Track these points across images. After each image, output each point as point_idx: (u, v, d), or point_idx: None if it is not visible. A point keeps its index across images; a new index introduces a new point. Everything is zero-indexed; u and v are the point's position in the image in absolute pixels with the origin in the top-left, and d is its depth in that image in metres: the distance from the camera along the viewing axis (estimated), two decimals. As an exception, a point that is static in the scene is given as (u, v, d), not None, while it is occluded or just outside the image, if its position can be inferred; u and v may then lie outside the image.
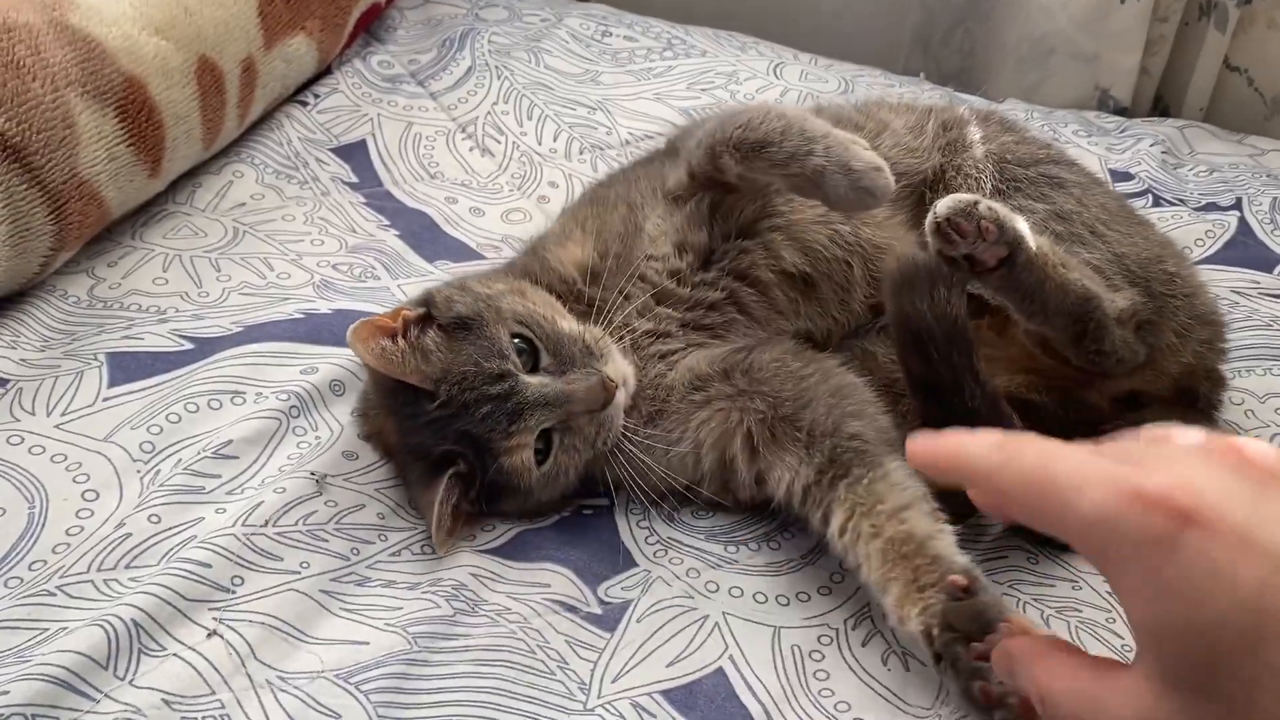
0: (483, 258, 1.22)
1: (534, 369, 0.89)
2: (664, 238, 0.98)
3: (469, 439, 0.87)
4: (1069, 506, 0.48)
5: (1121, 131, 1.49)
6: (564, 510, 0.94)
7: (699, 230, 0.97)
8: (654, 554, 0.90)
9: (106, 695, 0.72)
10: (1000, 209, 0.86)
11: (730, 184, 0.97)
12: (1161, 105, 1.68)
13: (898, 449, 0.85)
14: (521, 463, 0.87)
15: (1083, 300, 0.89)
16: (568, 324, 0.91)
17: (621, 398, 0.90)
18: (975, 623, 0.72)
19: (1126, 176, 1.37)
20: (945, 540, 0.79)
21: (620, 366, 0.91)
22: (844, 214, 0.98)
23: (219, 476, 0.90)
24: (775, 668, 0.81)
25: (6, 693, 0.70)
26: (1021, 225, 0.86)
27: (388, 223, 1.26)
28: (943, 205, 0.85)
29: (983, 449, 0.53)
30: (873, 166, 0.88)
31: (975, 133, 1.08)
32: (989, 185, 1.02)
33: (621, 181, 1.09)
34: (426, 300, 0.93)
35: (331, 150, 1.36)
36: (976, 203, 0.85)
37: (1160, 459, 0.48)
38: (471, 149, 1.39)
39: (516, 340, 0.89)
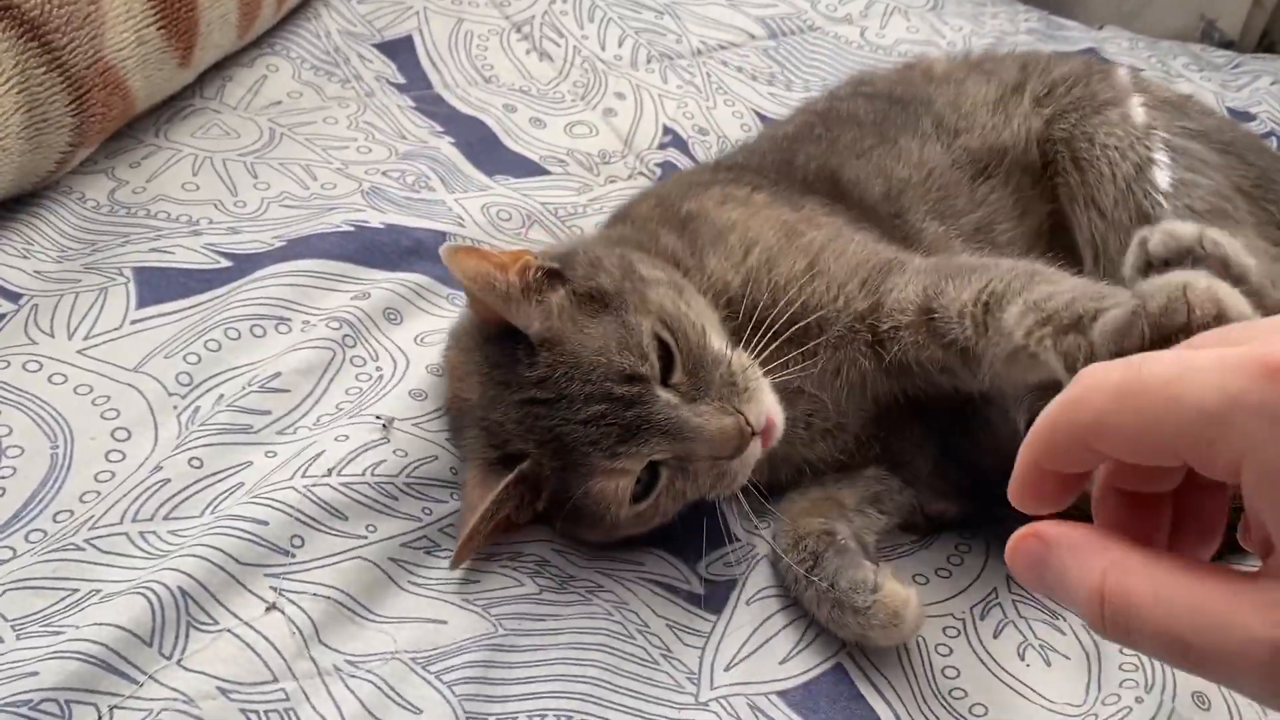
0: (547, 173, 1.10)
1: (665, 383, 0.72)
2: None
3: (558, 443, 0.70)
4: (1175, 402, 0.35)
5: (1234, 67, 1.37)
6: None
7: None
8: (756, 526, 0.80)
9: (151, 677, 0.62)
10: (1227, 243, 0.73)
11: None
12: (1267, 41, 1.55)
13: None
14: (614, 492, 0.71)
15: None
16: (719, 343, 0.74)
17: (756, 450, 0.72)
18: None
19: (1248, 116, 1.25)
20: None
21: (765, 407, 0.73)
22: None
23: (268, 413, 0.79)
24: (900, 665, 0.72)
25: (35, 674, 0.60)
26: (1251, 265, 0.74)
27: (441, 129, 1.13)
28: (1157, 242, 0.73)
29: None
30: None
31: (1134, 101, 0.94)
32: (1161, 166, 0.88)
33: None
34: (566, 257, 0.77)
35: (375, 46, 1.23)
36: (1201, 239, 0.73)
37: (1269, 332, 0.37)
38: (529, 51, 1.26)
39: (654, 342, 0.72)
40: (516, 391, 0.72)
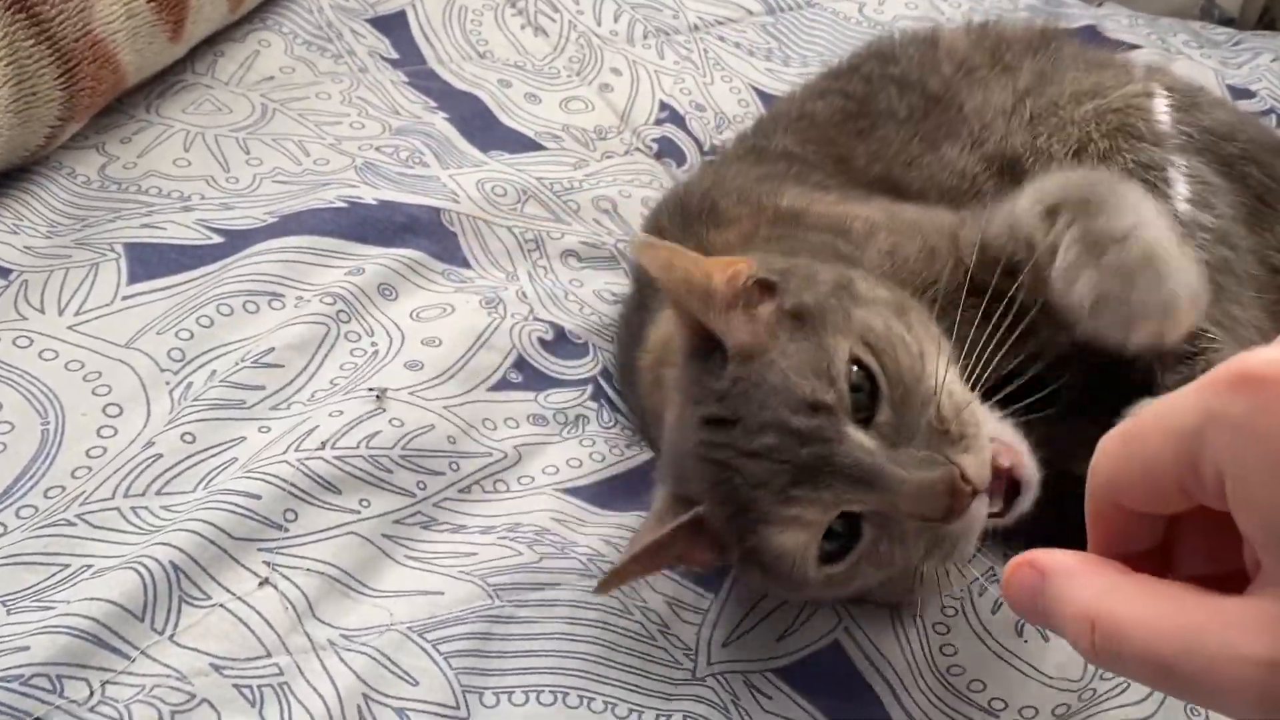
0: (543, 148, 1.09)
1: (865, 422, 0.60)
2: None
3: (727, 480, 0.60)
4: (1167, 433, 0.34)
5: (1234, 44, 1.36)
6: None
7: None
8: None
9: (143, 653, 0.62)
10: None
11: None
12: (1267, 18, 1.54)
13: None
14: (793, 546, 0.59)
15: None
16: (932, 370, 0.61)
17: (983, 509, 0.59)
18: None
19: (1247, 94, 1.24)
20: None
21: (987, 456, 0.59)
22: None
23: (262, 389, 0.78)
24: (898, 642, 0.71)
25: (26, 648, 0.60)
26: None
27: (435, 105, 1.12)
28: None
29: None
30: None
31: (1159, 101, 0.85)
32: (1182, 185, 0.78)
33: None
34: (785, 271, 0.66)
35: (367, 21, 1.21)
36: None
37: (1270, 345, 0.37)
38: (524, 26, 1.24)
39: (855, 369, 0.60)
40: (700, 407, 0.63)
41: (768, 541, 0.60)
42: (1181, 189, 0.76)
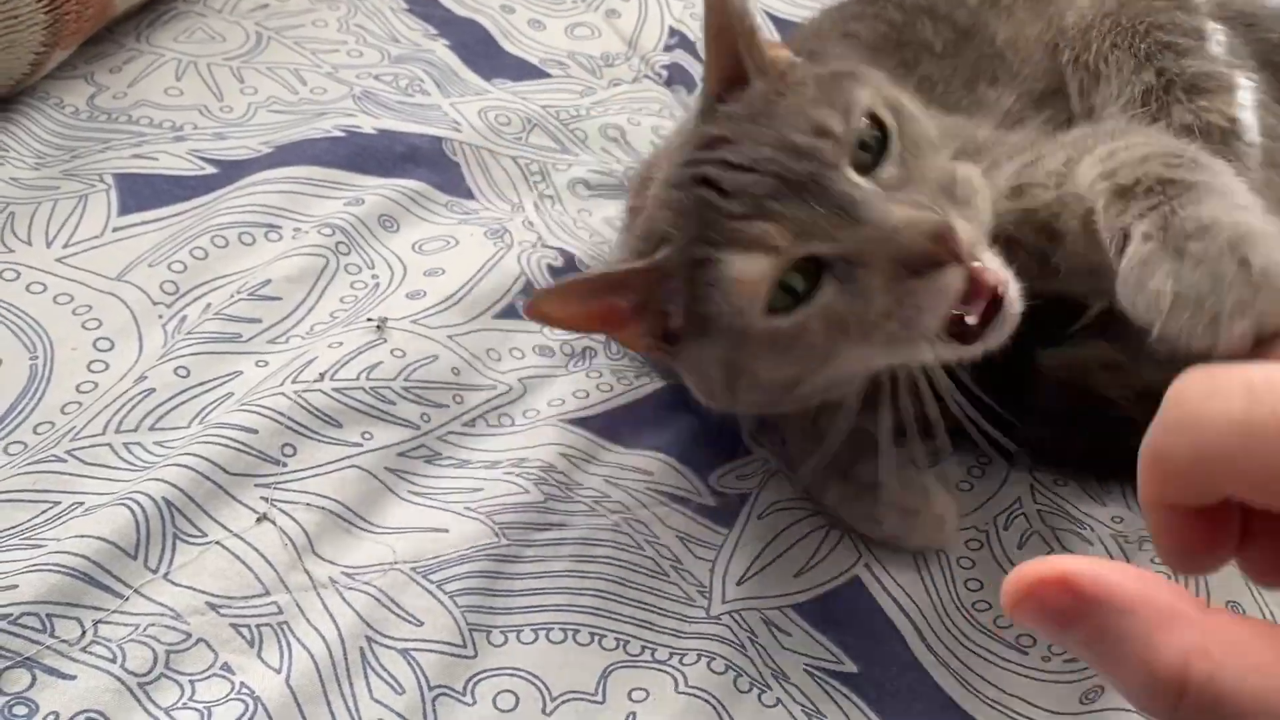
0: (548, 76, 1.05)
1: (868, 169, 0.57)
2: None
3: (701, 198, 0.57)
4: (1205, 414, 0.30)
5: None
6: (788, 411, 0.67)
7: None
8: (767, 440, 0.77)
9: (137, 591, 0.59)
10: None
11: None
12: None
13: None
14: (751, 275, 0.55)
15: None
16: (947, 157, 0.59)
17: (955, 283, 0.54)
18: None
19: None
20: None
21: (985, 238, 0.57)
22: None
23: (258, 321, 0.76)
24: (920, 577, 0.69)
25: (15, 587, 0.57)
26: None
27: (435, 31, 1.08)
28: None
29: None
30: None
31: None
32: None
33: None
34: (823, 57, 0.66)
35: (365, -54, 1.17)
36: None
37: None
38: (527, -49, 1.20)
39: (869, 125, 0.57)
40: (690, 144, 0.60)
41: (722, 271, 0.55)
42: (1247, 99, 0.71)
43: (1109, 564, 0.31)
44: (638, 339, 0.63)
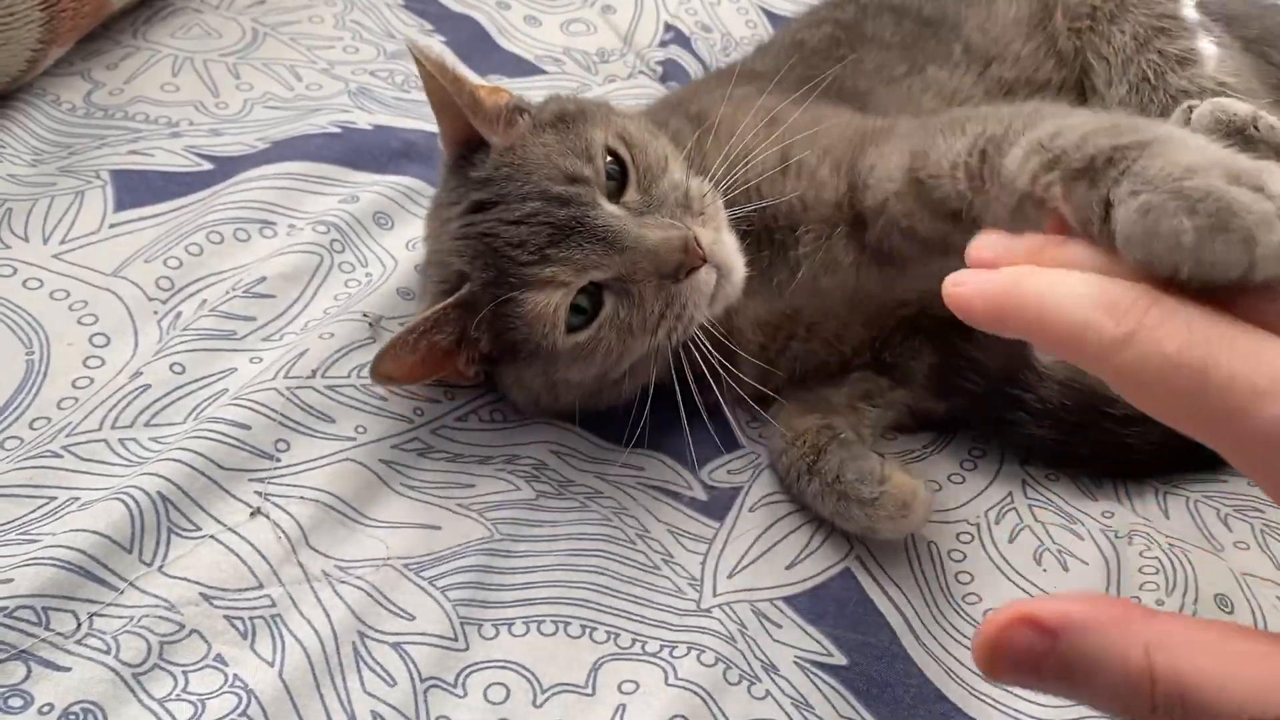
0: (543, 72, 1.05)
1: (614, 198, 0.68)
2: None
3: (489, 251, 0.66)
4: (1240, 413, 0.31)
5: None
6: (614, 402, 0.73)
7: None
8: (759, 434, 0.77)
9: (131, 584, 0.60)
10: None
11: None
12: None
13: None
14: (547, 309, 0.65)
15: None
16: (680, 172, 0.70)
17: (709, 278, 0.66)
18: None
19: None
20: None
21: (720, 236, 0.68)
22: None
23: (253, 319, 0.76)
24: (911, 570, 0.69)
25: (10, 580, 0.58)
26: None
27: (431, 28, 1.08)
28: (1205, 116, 0.65)
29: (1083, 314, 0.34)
30: None
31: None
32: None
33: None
34: (541, 104, 0.75)
35: (361, -57, 1.17)
36: (1255, 120, 0.65)
37: None
38: (523, -52, 1.20)
39: (609, 160, 0.68)
40: (460, 203, 0.69)
41: (522, 308, 0.65)
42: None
43: (1056, 595, 0.33)
44: (466, 369, 0.71)
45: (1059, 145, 0.50)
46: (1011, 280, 0.36)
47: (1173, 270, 0.36)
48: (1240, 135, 0.66)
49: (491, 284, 0.66)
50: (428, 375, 0.70)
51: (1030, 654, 0.31)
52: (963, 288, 0.37)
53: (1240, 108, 0.67)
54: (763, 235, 0.72)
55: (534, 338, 0.66)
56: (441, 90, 0.69)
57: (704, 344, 0.67)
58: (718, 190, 0.70)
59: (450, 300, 0.67)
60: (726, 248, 0.68)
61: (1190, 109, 0.69)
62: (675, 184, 0.69)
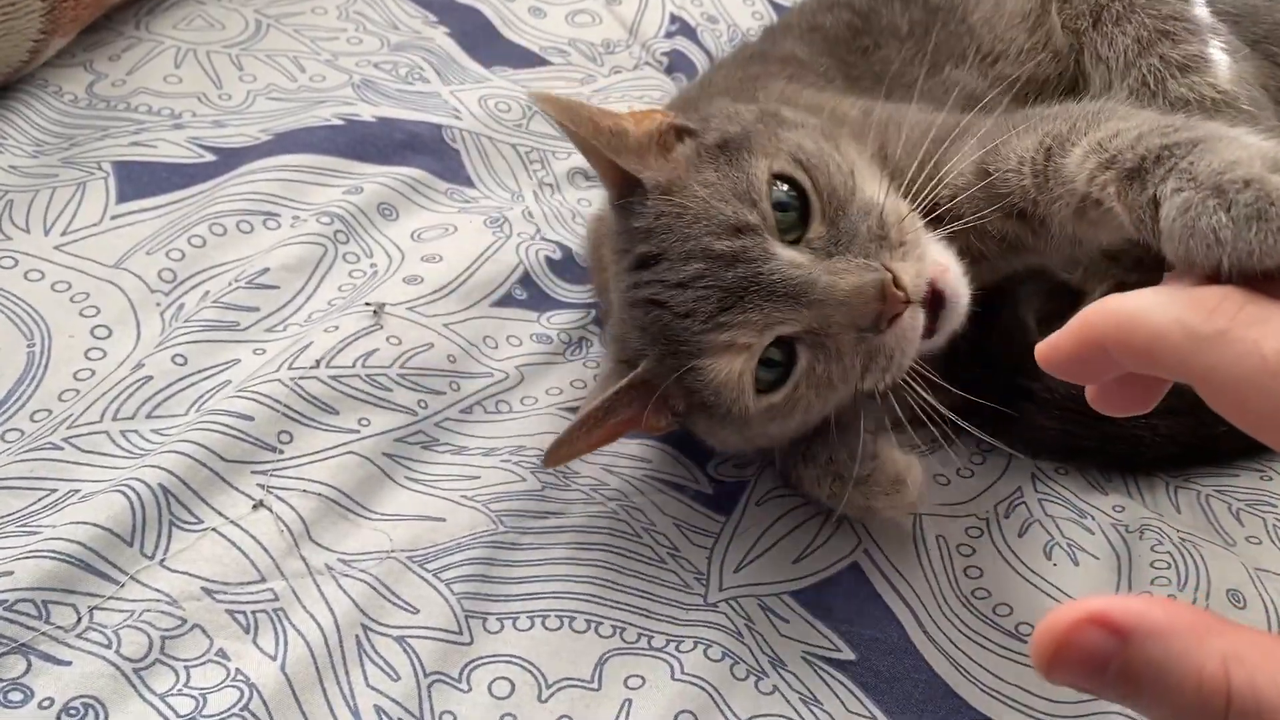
0: (548, 63, 1.05)
1: (796, 240, 0.59)
2: None
3: (658, 319, 0.60)
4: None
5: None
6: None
7: None
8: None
9: (132, 578, 0.59)
10: None
11: None
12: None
13: None
14: (729, 376, 0.58)
15: None
16: (872, 188, 0.61)
17: (916, 321, 0.58)
18: None
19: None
20: None
21: (927, 265, 0.59)
22: None
23: (256, 310, 0.75)
24: (920, 564, 0.69)
25: (10, 573, 0.57)
26: None
27: (435, 19, 1.07)
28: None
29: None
30: None
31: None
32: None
33: None
34: (704, 118, 0.66)
35: (365, -67, 1.16)
36: None
37: None
38: (527, -62, 1.19)
39: (783, 186, 0.60)
40: (626, 255, 0.62)
41: (705, 376, 0.59)
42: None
43: (1128, 596, 0.31)
44: (657, 427, 0.65)
45: (1115, 145, 0.50)
46: (1086, 310, 0.35)
47: (1215, 265, 0.36)
48: None
49: (669, 354, 0.60)
50: (607, 443, 0.66)
51: (1096, 656, 0.30)
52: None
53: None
54: None
55: (723, 403, 0.60)
56: (578, 136, 0.62)
57: None
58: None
59: (622, 384, 0.61)
60: (941, 269, 0.60)
61: None
62: (867, 207, 0.60)
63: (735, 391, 0.59)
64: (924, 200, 0.63)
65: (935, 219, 0.65)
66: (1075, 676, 0.30)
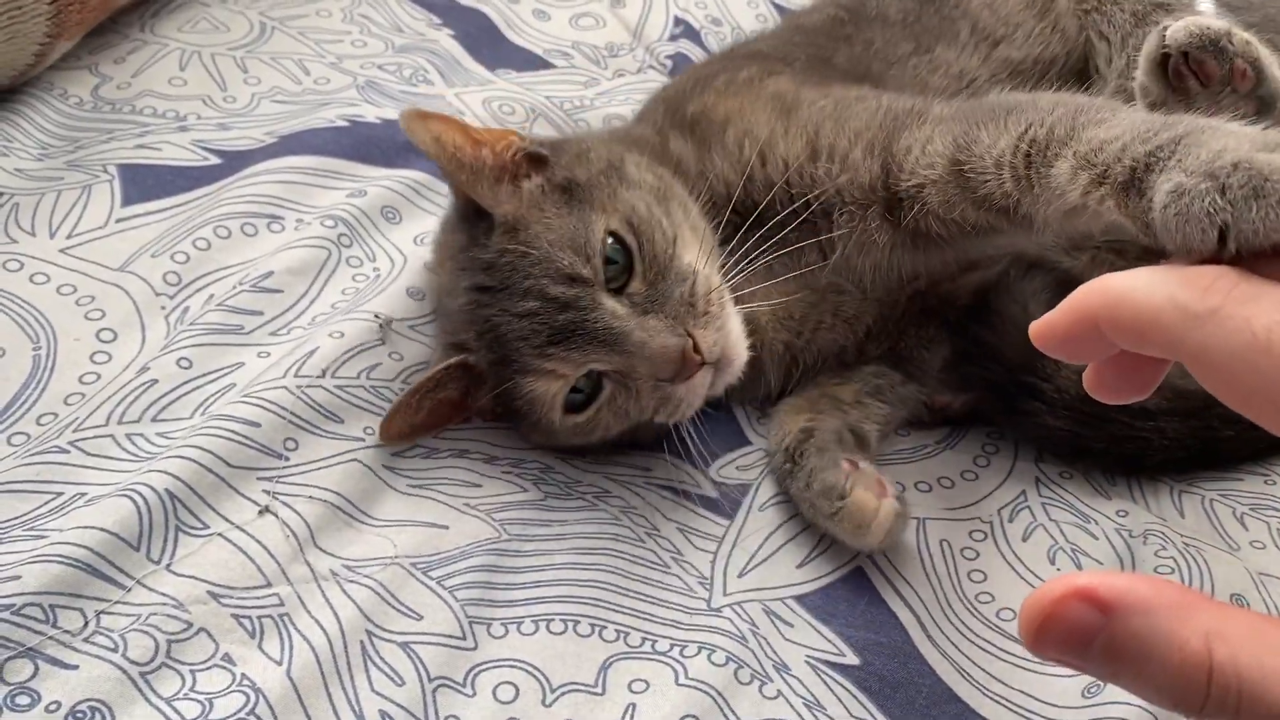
0: (552, 66, 1.05)
1: (619, 290, 0.67)
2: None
3: (494, 335, 0.68)
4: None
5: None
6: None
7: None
8: (767, 430, 0.76)
9: (139, 582, 0.59)
10: (1259, 46, 0.66)
11: None
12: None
13: None
14: (546, 396, 0.67)
15: None
16: (690, 257, 0.69)
17: (705, 379, 0.68)
18: None
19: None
20: None
21: (724, 336, 0.68)
22: None
23: (260, 313, 0.76)
24: (923, 568, 0.69)
25: (18, 578, 0.57)
26: None
27: (439, 21, 1.08)
28: (1179, 30, 0.65)
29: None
30: None
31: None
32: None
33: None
34: (557, 145, 0.74)
35: (369, -65, 1.16)
36: (1229, 33, 0.65)
37: None
38: (532, -59, 1.19)
39: (613, 242, 0.67)
40: (468, 275, 0.69)
41: (524, 388, 0.67)
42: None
43: (1113, 572, 0.31)
44: (483, 408, 0.72)
45: (1103, 159, 0.52)
46: (1080, 289, 0.35)
47: (1213, 248, 0.36)
48: (1214, 48, 0.66)
49: (497, 363, 0.68)
50: (437, 428, 0.71)
51: (1081, 630, 0.30)
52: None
53: (1214, 23, 0.67)
54: (790, 219, 0.71)
55: (535, 414, 0.69)
56: (439, 163, 0.70)
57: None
58: (726, 270, 0.70)
59: (449, 363, 0.69)
60: (730, 338, 0.69)
61: (1165, 29, 0.68)
62: (684, 274, 0.68)
63: (547, 408, 0.68)
64: (885, 187, 0.68)
65: (900, 204, 0.68)
66: (1060, 651, 0.30)
